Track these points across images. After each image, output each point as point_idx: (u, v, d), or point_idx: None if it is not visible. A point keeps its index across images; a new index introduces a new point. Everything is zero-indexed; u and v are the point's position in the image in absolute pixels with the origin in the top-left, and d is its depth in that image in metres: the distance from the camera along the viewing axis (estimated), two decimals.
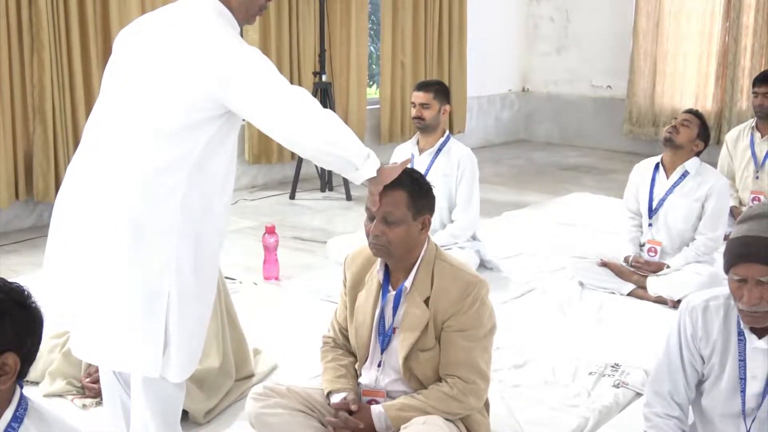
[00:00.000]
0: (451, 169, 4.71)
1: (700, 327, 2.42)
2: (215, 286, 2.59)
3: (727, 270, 2.28)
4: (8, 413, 1.66)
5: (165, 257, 2.36)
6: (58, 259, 2.49)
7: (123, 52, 2.51)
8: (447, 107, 4.71)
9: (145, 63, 2.41)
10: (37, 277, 4.11)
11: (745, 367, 2.36)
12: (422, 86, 4.73)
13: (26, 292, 1.69)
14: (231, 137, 2.48)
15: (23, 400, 1.70)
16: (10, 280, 1.71)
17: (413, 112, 4.69)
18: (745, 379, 2.36)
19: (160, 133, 2.36)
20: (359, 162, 2.45)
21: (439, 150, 4.74)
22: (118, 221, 2.35)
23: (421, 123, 4.67)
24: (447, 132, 4.81)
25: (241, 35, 2.49)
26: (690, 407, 2.55)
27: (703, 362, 2.45)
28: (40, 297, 1.76)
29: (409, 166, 2.63)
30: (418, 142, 4.82)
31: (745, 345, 2.35)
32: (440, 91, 4.69)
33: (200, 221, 2.41)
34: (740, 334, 2.37)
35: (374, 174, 2.48)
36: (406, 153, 4.82)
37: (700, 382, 2.50)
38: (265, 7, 2.57)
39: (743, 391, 2.37)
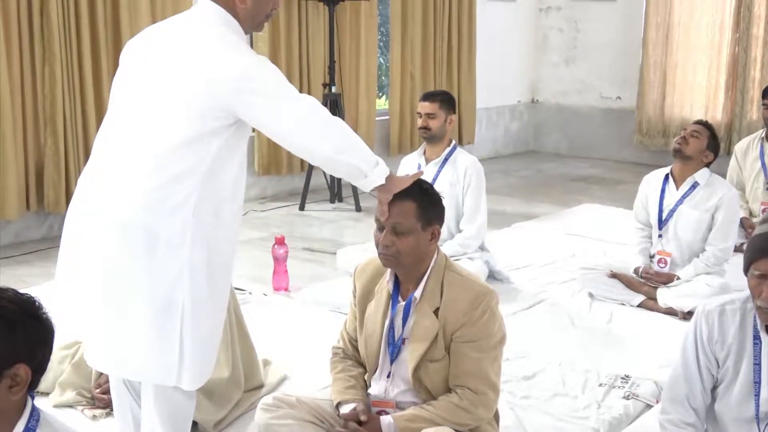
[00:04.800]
0: (458, 179, 4.71)
1: (716, 330, 2.42)
2: (228, 293, 2.60)
3: (747, 267, 2.28)
4: (21, 425, 1.67)
5: (179, 266, 2.37)
6: (71, 269, 2.50)
7: (131, 64, 2.52)
8: (453, 117, 4.72)
9: (155, 74, 2.42)
10: (48, 288, 4.13)
11: (760, 371, 2.36)
12: (428, 96, 4.75)
13: (37, 303, 1.70)
14: (241, 145, 2.50)
15: (35, 411, 1.70)
16: (21, 290, 1.72)
17: (419, 122, 4.70)
18: (759, 383, 2.36)
19: (171, 143, 2.37)
20: (368, 169, 2.46)
21: (446, 160, 4.74)
22: (132, 231, 2.36)
23: (428, 133, 4.68)
24: (453, 142, 4.82)
25: (251, 46, 2.50)
26: None
27: (718, 366, 2.45)
28: (52, 308, 1.76)
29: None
30: (424, 153, 4.83)
31: (760, 349, 2.35)
32: (446, 101, 4.70)
33: (212, 229, 2.42)
34: (756, 338, 2.37)
35: (383, 182, 2.50)
36: (412, 163, 4.83)
37: (713, 387, 2.49)
38: (271, 14, 2.59)
39: (757, 395, 2.36)
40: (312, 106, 2.42)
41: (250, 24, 2.54)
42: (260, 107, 2.37)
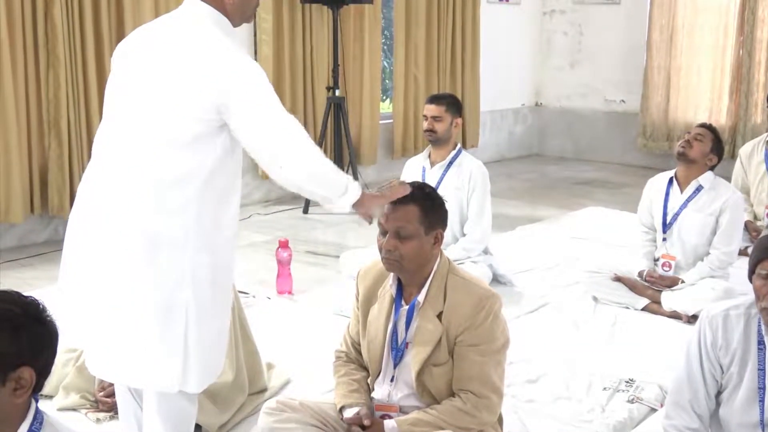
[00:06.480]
0: (463, 183, 4.71)
1: (720, 335, 2.42)
2: (231, 295, 2.60)
3: (753, 267, 2.28)
4: (24, 427, 1.67)
5: (181, 269, 2.37)
6: (74, 274, 2.50)
7: (127, 66, 2.51)
8: (458, 120, 4.72)
9: (151, 76, 2.41)
10: (52, 291, 4.14)
11: (764, 376, 2.35)
12: (434, 99, 4.74)
13: (42, 306, 1.70)
14: (239, 146, 2.49)
15: (39, 414, 1.70)
16: (25, 294, 1.72)
17: (425, 125, 4.69)
18: (764, 388, 2.35)
19: (173, 145, 2.37)
20: (335, 198, 2.50)
21: (451, 163, 4.74)
22: (134, 235, 2.36)
23: (433, 136, 4.68)
24: (458, 145, 4.81)
25: (255, 51, 2.51)
26: None
27: (722, 372, 2.44)
28: (56, 311, 1.77)
29: (419, 180, 2.63)
30: (429, 155, 4.82)
31: (764, 354, 2.35)
32: (452, 104, 4.70)
33: (213, 232, 2.42)
34: (760, 343, 2.36)
35: (348, 209, 2.52)
36: (417, 166, 4.83)
37: (718, 393, 2.48)
38: (257, 5, 2.61)
39: (762, 401, 2.36)
40: (295, 126, 2.43)
41: (239, 19, 2.56)
42: (246, 116, 2.36)
